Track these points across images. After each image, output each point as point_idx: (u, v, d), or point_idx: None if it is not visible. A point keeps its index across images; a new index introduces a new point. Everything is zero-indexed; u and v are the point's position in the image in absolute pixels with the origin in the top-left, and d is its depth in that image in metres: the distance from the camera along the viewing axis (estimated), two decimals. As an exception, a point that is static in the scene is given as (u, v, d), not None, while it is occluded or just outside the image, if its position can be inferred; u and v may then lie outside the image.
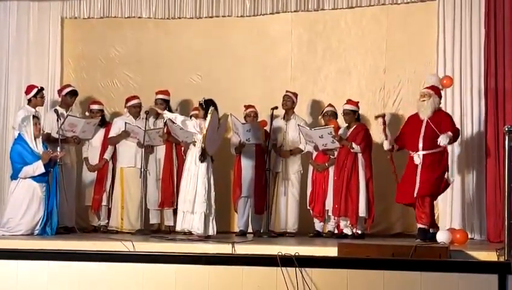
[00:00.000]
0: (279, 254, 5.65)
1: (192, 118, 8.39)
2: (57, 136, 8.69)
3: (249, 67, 9.79)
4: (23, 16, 9.96)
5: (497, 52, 8.27)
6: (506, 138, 6.01)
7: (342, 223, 8.30)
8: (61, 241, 7.36)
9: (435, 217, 8.21)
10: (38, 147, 8.29)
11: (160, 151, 9.12)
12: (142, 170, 8.81)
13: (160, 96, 9.04)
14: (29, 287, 5.97)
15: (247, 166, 8.85)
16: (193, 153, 7.98)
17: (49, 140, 8.77)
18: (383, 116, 8.17)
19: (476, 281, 5.40)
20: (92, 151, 9.18)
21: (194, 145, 8.02)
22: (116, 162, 9.13)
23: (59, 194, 8.33)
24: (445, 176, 7.79)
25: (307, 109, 9.52)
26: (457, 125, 8.08)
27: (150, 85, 9.55)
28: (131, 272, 5.87)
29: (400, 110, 9.16)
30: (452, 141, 7.80)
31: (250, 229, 8.90)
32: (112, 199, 9.08)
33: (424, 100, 7.82)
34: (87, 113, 9.36)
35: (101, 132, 9.18)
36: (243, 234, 8.74)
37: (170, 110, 8.85)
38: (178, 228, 8.05)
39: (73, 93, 9.18)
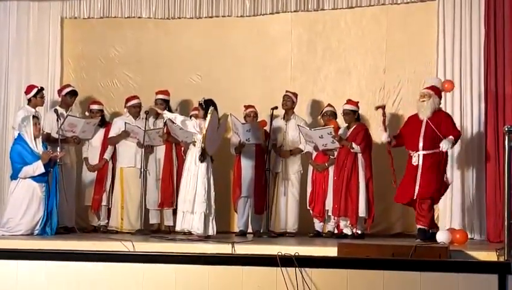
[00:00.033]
0: (279, 254, 5.65)
1: (192, 118, 8.39)
2: (56, 136, 8.70)
3: (249, 67, 9.79)
4: (23, 16, 9.97)
5: (497, 52, 8.27)
6: (506, 138, 6.00)
7: (342, 223, 8.30)
8: (61, 242, 7.36)
9: (435, 217, 8.22)
10: (38, 147, 8.29)
11: (160, 151, 9.12)
12: (142, 170, 8.81)
13: (160, 96, 9.05)
14: (29, 287, 5.97)
15: (247, 166, 8.85)
16: (193, 153, 7.98)
17: (49, 140, 8.77)
18: (383, 107, 8.15)
19: (475, 281, 5.40)
20: (92, 151, 9.18)
21: (194, 145, 8.02)
22: (116, 162, 9.13)
23: (59, 194, 8.34)
24: (444, 178, 7.80)
25: (307, 109, 9.52)
26: (457, 125, 8.07)
27: (150, 85, 9.55)
28: (131, 272, 5.87)
29: (400, 110, 9.16)
30: (454, 144, 7.81)
31: (250, 229, 8.90)
32: (111, 199, 9.08)
33: (423, 100, 7.82)
34: (87, 113, 9.36)
35: (101, 132, 9.18)
36: (242, 234, 8.73)
37: (170, 110, 8.85)
38: (178, 228, 8.05)
39: (73, 93, 9.18)
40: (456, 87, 8.48)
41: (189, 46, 9.92)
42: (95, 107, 9.27)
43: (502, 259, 6.04)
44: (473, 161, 8.52)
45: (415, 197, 7.70)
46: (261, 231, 8.68)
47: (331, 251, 6.44)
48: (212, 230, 7.88)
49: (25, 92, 8.97)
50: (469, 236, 8.09)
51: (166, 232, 8.85)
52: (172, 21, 9.96)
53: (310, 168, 8.83)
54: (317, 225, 8.72)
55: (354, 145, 8.24)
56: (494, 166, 8.15)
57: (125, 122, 8.96)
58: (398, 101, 9.20)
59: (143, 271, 5.85)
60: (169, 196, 8.99)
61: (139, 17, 10.01)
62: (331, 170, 8.52)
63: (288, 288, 5.58)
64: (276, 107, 8.80)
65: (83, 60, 10.15)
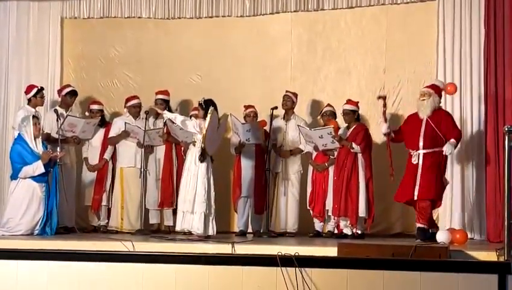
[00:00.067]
0: (279, 254, 5.65)
1: (192, 118, 8.39)
2: (56, 136, 8.70)
3: (249, 67, 9.79)
4: (23, 15, 9.97)
5: (497, 52, 8.27)
6: (506, 138, 6.01)
7: (342, 223, 8.30)
8: (61, 241, 7.36)
9: (435, 217, 8.22)
10: (38, 147, 8.30)
11: (160, 151, 9.12)
12: (142, 170, 8.81)
13: (160, 96, 9.04)
14: (29, 287, 5.96)
15: (247, 166, 8.85)
16: (193, 153, 7.98)
17: (48, 140, 8.77)
18: (384, 97, 8.13)
19: (475, 281, 5.40)
20: (92, 151, 9.18)
21: (194, 145, 8.02)
22: (116, 162, 9.13)
23: (59, 194, 8.34)
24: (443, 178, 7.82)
25: (307, 109, 9.52)
26: (457, 125, 8.07)
27: (150, 85, 9.55)
28: (131, 272, 5.87)
29: (400, 110, 9.15)
30: (456, 146, 7.81)
31: (250, 229, 8.90)
32: (111, 199, 9.09)
33: (423, 99, 7.83)
34: (87, 113, 9.36)
35: (101, 132, 9.18)
36: (242, 234, 8.73)
37: (170, 110, 8.85)
38: (178, 228, 8.05)
39: (73, 94, 9.18)
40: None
41: (189, 46, 9.92)
42: (95, 107, 9.27)
43: (502, 259, 6.04)
44: (473, 161, 8.52)
45: (415, 198, 7.70)
46: (261, 231, 8.68)
47: (331, 251, 6.44)
48: (212, 230, 7.88)
49: (25, 92, 8.98)
50: (469, 236, 8.09)
51: (166, 232, 8.85)
52: (172, 21, 9.96)
53: (310, 168, 8.83)
54: (317, 225, 8.72)
55: (354, 145, 8.24)
56: (494, 166, 8.14)
57: (125, 122, 8.96)
58: (398, 101, 9.19)
59: (143, 271, 5.85)
60: (169, 196, 8.99)
61: (139, 17, 10.01)
62: (331, 170, 8.52)
63: (288, 288, 5.58)
64: (276, 107, 8.80)
65: (83, 60, 10.15)
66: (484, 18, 8.43)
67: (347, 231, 8.24)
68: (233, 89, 9.64)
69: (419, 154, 7.74)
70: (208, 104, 7.94)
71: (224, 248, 6.92)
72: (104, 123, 9.25)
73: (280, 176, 8.93)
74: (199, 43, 9.89)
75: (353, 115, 8.49)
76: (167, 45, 9.97)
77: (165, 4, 9.89)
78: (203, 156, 7.87)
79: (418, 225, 7.78)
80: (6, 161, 9.03)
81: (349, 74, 9.51)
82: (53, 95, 9.66)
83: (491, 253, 6.54)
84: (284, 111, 9.04)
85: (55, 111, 8.88)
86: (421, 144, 7.75)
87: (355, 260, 5.74)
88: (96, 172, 9.11)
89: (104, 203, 9.10)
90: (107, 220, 9.10)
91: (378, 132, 8.73)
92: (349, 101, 8.57)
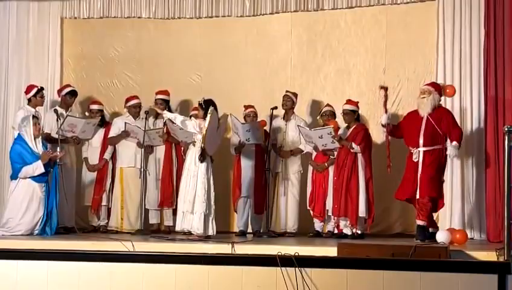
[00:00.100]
0: (279, 254, 5.66)
1: (192, 118, 8.39)
2: (56, 136, 8.70)
3: (249, 67, 9.79)
4: (23, 16, 9.96)
5: (497, 52, 8.27)
6: (506, 138, 6.01)
7: (342, 223, 8.29)
8: (61, 242, 7.37)
9: (435, 217, 8.21)
10: (38, 147, 8.30)
11: (160, 151, 9.12)
12: (142, 170, 8.81)
13: (160, 96, 9.04)
14: (29, 287, 5.97)
15: (246, 166, 8.85)
16: (193, 153, 7.98)
17: (48, 140, 8.77)
18: (386, 88, 8.11)
19: (475, 281, 5.40)
20: (92, 151, 9.18)
21: (194, 145, 8.02)
22: (116, 162, 9.13)
23: (59, 194, 8.34)
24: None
25: (307, 109, 9.52)
26: (458, 123, 8.08)
27: (150, 85, 9.55)
28: (131, 272, 5.87)
29: (400, 110, 9.14)
30: (460, 146, 7.81)
31: (249, 229, 8.90)
32: (111, 199, 9.08)
33: (424, 97, 7.83)
34: (86, 113, 9.35)
35: (101, 132, 9.18)
36: (242, 234, 8.73)
37: (170, 110, 8.84)
38: (178, 228, 8.06)
39: (73, 93, 9.19)
40: (456, 87, 8.47)
41: (189, 46, 9.92)
42: (94, 107, 9.27)
43: (501, 259, 6.03)
44: (472, 161, 8.51)
45: (417, 196, 7.70)
46: (261, 231, 8.68)
47: (331, 251, 6.44)
48: (212, 230, 7.88)
49: (25, 92, 8.98)
50: (469, 236, 8.09)
51: (166, 232, 8.85)
52: (172, 21, 9.96)
53: (310, 168, 8.83)
54: (317, 225, 8.72)
55: (353, 145, 8.24)
56: (494, 166, 8.14)
57: (125, 123, 8.96)
58: (397, 101, 9.18)
59: (143, 271, 5.86)
60: (169, 196, 8.99)
61: (139, 17, 10.00)
62: (331, 170, 8.51)
63: (288, 288, 5.59)
64: (275, 107, 8.80)
65: (83, 60, 10.15)
66: (484, 18, 8.43)
67: (347, 231, 8.23)
68: (233, 89, 9.65)
69: (419, 151, 7.75)
70: (207, 104, 7.94)
71: (224, 248, 6.92)
72: (104, 123, 9.25)
73: (280, 176, 8.93)
74: (199, 43, 9.89)
75: (353, 115, 8.48)
76: (167, 45, 9.97)
77: (165, 4, 9.89)
78: (202, 156, 7.87)
79: (418, 221, 7.78)
80: (6, 161, 9.02)
81: (349, 74, 9.51)
82: (53, 95, 9.65)
83: (491, 253, 6.54)
84: (283, 111, 9.04)
85: (55, 111, 8.88)
86: (421, 141, 7.76)
87: (355, 260, 5.75)
88: (96, 172, 9.11)
89: (104, 203, 9.10)
90: (107, 220, 9.10)
91: (378, 132, 8.74)
92: (349, 101, 8.57)
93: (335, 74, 9.56)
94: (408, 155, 7.91)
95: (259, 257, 5.97)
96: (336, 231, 8.42)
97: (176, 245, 7.22)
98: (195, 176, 7.88)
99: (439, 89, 7.90)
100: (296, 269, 5.57)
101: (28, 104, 8.90)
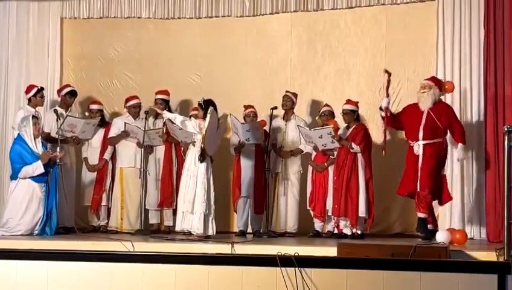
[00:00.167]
0: (279, 254, 5.65)
1: (192, 118, 8.39)
2: (56, 136, 8.69)
3: (249, 67, 9.79)
4: (22, 16, 9.96)
5: (497, 52, 8.27)
6: (506, 138, 6.01)
7: (342, 223, 8.29)
8: (61, 242, 7.37)
9: (435, 216, 8.21)
10: (38, 147, 8.29)
11: (160, 151, 9.12)
12: (142, 170, 8.81)
13: (160, 96, 9.04)
14: (29, 287, 5.97)
15: (246, 166, 8.85)
16: (192, 153, 7.98)
17: (48, 139, 8.77)
18: (390, 74, 8.10)
19: (475, 281, 5.41)
20: (92, 151, 9.18)
21: (194, 145, 8.02)
22: (116, 162, 9.13)
23: (58, 194, 8.33)
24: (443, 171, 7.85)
25: (307, 109, 9.51)
26: (458, 117, 8.09)
27: (150, 85, 9.55)
28: (131, 272, 5.87)
29: (400, 110, 9.13)
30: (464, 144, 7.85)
31: (249, 230, 8.90)
32: (111, 199, 9.08)
33: (424, 92, 7.85)
34: (86, 113, 9.35)
35: (101, 132, 9.17)
36: (242, 234, 8.73)
37: (170, 111, 8.84)
38: (177, 228, 8.06)
39: (73, 93, 9.19)
40: (456, 87, 8.48)
41: (189, 46, 9.91)
42: (94, 106, 9.27)
43: (501, 259, 6.03)
44: (473, 161, 8.51)
45: (418, 189, 7.71)
46: (261, 231, 8.68)
47: (331, 251, 6.44)
48: (211, 230, 7.88)
49: (25, 92, 8.99)
50: (469, 236, 8.09)
51: (166, 232, 8.85)
52: (172, 21, 9.95)
53: (310, 168, 8.83)
54: (317, 225, 8.72)
55: (353, 145, 8.24)
56: (494, 166, 8.15)
57: (125, 123, 8.96)
58: (397, 101, 9.17)
59: (143, 271, 5.86)
60: (169, 196, 8.98)
61: (139, 17, 10.00)
62: (331, 169, 8.51)
63: (288, 288, 5.59)
64: (275, 107, 8.79)
65: (83, 60, 10.15)
66: (484, 18, 8.43)
67: (347, 231, 8.23)
68: (232, 89, 9.65)
69: (419, 145, 7.76)
70: (207, 104, 7.94)
71: (223, 248, 6.92)
72: (104, 123, 9.24)
73: (280, 176, 8.92)
74: (199, 43, 9.89)
75: (353, 115, 8.48)
76: (167, 45, 9.97)
77: (164, 4, 9.89)
78: (202, 156, 7.87)
79: (419, 214, 7.79)
80: (6, 161, 9.02)
81: (349, 74, 9.51)
82: (53, 95, 9.65)
83: (490, 253, 6.54)
84: (283, 111, 9.03)
85: (55, 111, 8.88)
86: (420, 135, 7.78)
87: (355, 260, 5.75)
88: (96, 172, 9.11)
89: (103, 203, 9.10)
90: (106, 220, 9.09)
91: (377, 132, 8.74)
92: (348, 101, 8.57)
93: (335, 74, 9.56)
94: (408, 149, 7.92)
95: (259, 257, 5.97)
96: (335, 231, 8.42)
97: (175, 245, 7.22)
98: (195, 176, 7.89)
99: (439, 84, 7.92)
100: (296, 269, 5.57)
101: (28, 104, 8.90)
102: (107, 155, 9.11)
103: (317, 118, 9.08)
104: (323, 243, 7.66)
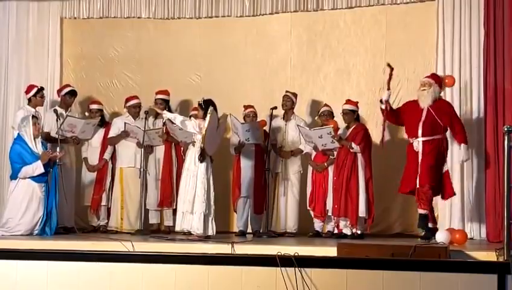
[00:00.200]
0: (279, 254, 5.66)
1: (192, 118, 8.39)
2: (56, 136, 8.69)
3: (249, 68, 9.79)
4: (22, 15, 9.96)
5: (497, 52, 8.27)
6: (506, 138, 6.01)
7: (342, 223, 8.29)
8: (61, 242, 7.37)
9: (435, 215, 8.21)
10: (38, 147, 8.29)
11: (160, 151, 9.12)
12: (142, 170, 8.81)
13: (160, 96, 9.04)
14: (29, 287, 5.97)
15: (246, 166, 8.84)
16: (192, 153, 7.98)
17: (48, 139, 8.77)
18: (392, 68, 8.10)
19: (475, 281, 5.41)
20: (92, 151, 9.18)
21: (194, 145, 8.02)
22: (116, 162, 9.13)
23: (58, 194, 8.33)
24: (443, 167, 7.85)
25: (307, 109, 9.51)
26: (458, 115, 8.09)
27: (150, 85, 9.55)
28: (131, 272, 5.87)
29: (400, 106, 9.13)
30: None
31: (249, 230, 8.90)
32: (111, 199, 9.08)
33: (424, 89, 7.85)
34: (86, 113, 9.35)
35: (101, 132, 9.17)
36: (242, 234, 8.73)
37: (170, 110, 8.84)
38: (177, 228, 8.06)
39: (73, 93, 9.19)
40: (456, 87, 8.49)
41: (189, 46, 9.91)
42: (94, 106, 9.27)
43: (501, 259, 6.03)
44: (472, 161, 8.50)
45: (417, 185, 7.72)
46: (261, 231, 8.68)
47: (331, 251, 6.44)
48: (211, 230, 7.88)
49: (25, 92, 8.99)
50: (468, 236, 8.09)
51: (166, 232, 8.85)
52: (172, 21, 9.95)
53: (310, 168, 8.83)
54: (317, 225, 8.72)
55: (353, 145, 8.24)
56: (494, 166, 8.15)
57: (125, 123, 8.96)
58: (397, 101, 9.17)
59: (142, 271, 5.86)
60: (169, 196, 8.98)
61: (139, 17, 10.00)
62: (331, 169, 8.51)
63: (288, 288, 5.59)
64: (275, 107, 8.79)
65: (83, 60, 10.15)
66: (484, 18, 8.43)
67: (347, 231, 8.23)
68: (232, 89, 9.65)
69: (418, 141, 7.77)
70: (207, 104, 7.94)
71: (223, 248, 6.92)
72: (104, 123, 9.24)
73: (280, 176, 8.92)
74: (199, 43, 9.89)
75: (352, 115, 8.48)
76: (167, 45, 9.96)
77: (164, 4, 9.89)
78: (202, 156, 7.87)
79: (420, 210, 7.79)
80: (6, 161, 9.02)
81: (349, 74, 9.51)
82: (53, 95, 9.65)
83: (490, 253, 6.54)
84: (283, 111, 9.03)
85: (55, 111, 8.88)
86: (420, 132, 7.78)
87: (355, 260, 5.75)
88: (95, 172, 9.11)
89: (103, 203, 9.09)
90: (106, 220, 9.09)
91: (377, 132, 8.73)
92: (348, 101, 8.57)
93: (335, 74, 9.56)
94: (408, 146, 7.93)
95: (259, 257, 5.97)
96: (335, 231, 8.42)
97: (175, 245, 7.23)
98: (195, 176, 7.89)
99: (439, 81, 7.92)
100: (296, 269, 5.57)
101: (28, 104, 8.90)
102: (107, 155, 9.11)
103: (316, 118, 9.08)
104: (323, 243, 7.66)
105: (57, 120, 8.73)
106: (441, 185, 7.84)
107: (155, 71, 9.92)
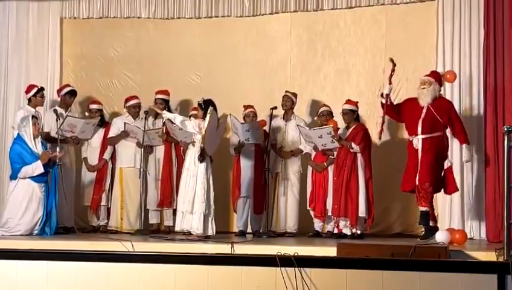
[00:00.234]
0: (279, 254, 5.65)
1: (192, 118, 8.39)
2: (56, 136, 8.69)
3: (249, 68, 9.79)
4: (22, 16, 9.96)
5: (497, 52, 8.26)
6: (506, 138, 6.01)
7: (342, 223, 8.29)
8: (60, 242, 7.37)
9: (435, 215, 8.21)
10: (38, 147, 8.29)
11: (160, 151, 9.12)
12: (142, 170, 8.81)
13: (160, 96, 9.04)
14: (29, 287, 5.97)
15: (246, 166, 8.84)
16: (192, 153, 7.98)
17: (48, 139, 8.77)
18: (395, 64, 8.09)
19: (475, 281, 5.41)
20: (91, 151, 9.18)
21: (193, 145, 8.02)
22: (116, 162, 9.13)
23: (58, 194, 8.34)
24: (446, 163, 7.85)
25: (306, 109, 9.52)
26: (457, 113, 8.10)
27: (150, 85, 9.55)
28: (131, 272, 5.87)
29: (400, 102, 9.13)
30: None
31: (249, 230, 8.89)
32: (111, 199, 9.08)
33: (424, 88, 7.85)
34: (86, 113, 9.35)
35: (101, 132, 9.18)
36: (242, 234, 8.73)
37: (170, 110, 8.84)
38: (177, 228, 8.06)
39: (73, 93, 9.19)
40: (456, 87, 8.49)
41: (189, 46, 9.91)
42: (94, 106, 9.27)
43: (501, 259, 6.04)
44: (472, 160, 8.50)
45: (417, 182, 7.72)
46: (261, 231, 8.68)
47: (331, 251, 6.44)
48: (211, 230, 7.88)
49: (25, 92, 8.99)
50: (468, 236, 8.09)
51: (166, 233, 8.85)
52: (172, 21, 9.96)
53: (310, 168, 8.83)
54: (317, 225, 8.71)
55: (353, 145, 8.23)
56: (494, 166, 8.15)
57: (125, 123, 8.96)
58: (397, 101, 9.14)
59: (142, 271, 5.86)
60: (169, 196, 8.98)
61: (139, 17, 10.01)
62: (331, 169, 8.51)
63: (288, 288, 5.59)
64: (275, 107, 8.79)
65: (82, 60, 10.15)
66: (484, 18, 8.43)
67: (346, 231, 8.23)
68: (232, 89, 9.65)
69: (418, 139, 7.77)
70: (207, 104, 7.94)
71: (223, 248, 6.92)
72: (104, 123, 9.24)
73: (280, 176, 8.92)
74: (198, 43, 9.89)
75: (352, 115, 8.48)
76: (166, 45, 9.96)
77: (164, 4, 9.89)
78: (202, 156, 7.87)
79: (421, 208, 7.81)
80: (6, 161, 9.02)
81: (349, 74, 9.51)
82: (52, 95, 9.65)
83: (490, 253, 6.54)
84: (283, 111, 9.03)
85: (55, 111, 8.88)
86: (419, 129, 7.78)
87: (355, 260, 5.75)
88: (95, 172, 9.11)
89: (103, 203, 9.10)
90: (106, 220, 9.10)
91: (377, 132, 8.72)
92: (348, 101, 8.57)
93: (334, 74, 9.56)
94: (408, 144, 7.93)
95: (258, 257, 5.97)
96: (335, 231, 8.41)
97: (175, 245, 7.22)
98: (194, 176, 7.89)
99: (439, 79, 7.93)
100: (296, 269, 5.57)
101: (28, 104, 8.90)
102: (106, 155, 9.11)
103: (315, 118, 9.07)
104: (323, 243, 7.66)
105: (56, 120, 8.73)
106: (443, 181, 7.85)
107: (155, 71, 9.92)
